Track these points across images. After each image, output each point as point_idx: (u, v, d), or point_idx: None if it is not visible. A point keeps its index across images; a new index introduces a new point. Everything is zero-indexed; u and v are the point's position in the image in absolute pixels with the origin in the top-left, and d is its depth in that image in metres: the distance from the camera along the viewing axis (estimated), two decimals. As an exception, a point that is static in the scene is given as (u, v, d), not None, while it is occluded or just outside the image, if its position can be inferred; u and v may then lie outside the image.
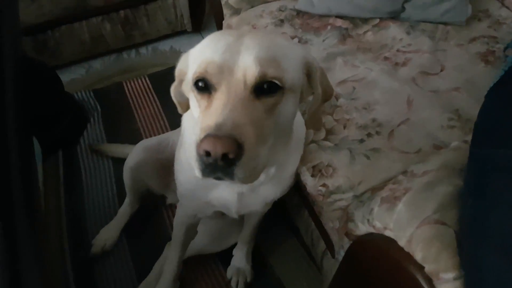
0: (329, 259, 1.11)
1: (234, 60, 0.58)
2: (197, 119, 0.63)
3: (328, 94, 0.73)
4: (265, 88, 0.59)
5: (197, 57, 0.64)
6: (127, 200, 1.42)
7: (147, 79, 1.93)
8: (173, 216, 1.42)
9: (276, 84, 0.59)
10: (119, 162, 1.57)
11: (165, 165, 1.25)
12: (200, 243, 1.30)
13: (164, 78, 1.87)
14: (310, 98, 0.71)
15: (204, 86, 0.60)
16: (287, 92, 0.61)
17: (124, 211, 1.42)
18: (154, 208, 1.47)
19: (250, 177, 0.58)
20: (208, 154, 0.54)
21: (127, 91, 1.89)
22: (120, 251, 1.38)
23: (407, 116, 0.99)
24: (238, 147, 0.54)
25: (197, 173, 0.58)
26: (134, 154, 1.28)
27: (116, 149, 1.59)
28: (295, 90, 0.64)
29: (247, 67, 0.58)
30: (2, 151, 0.91)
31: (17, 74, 1.19)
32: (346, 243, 0.92)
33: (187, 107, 0.77)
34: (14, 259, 0.74)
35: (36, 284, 0.85)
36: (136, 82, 1.92)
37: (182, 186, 0.94)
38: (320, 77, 0.68)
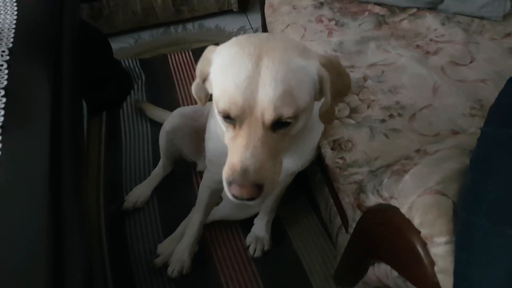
0: (344, 234, 1.16)
1: (254, 99, 0.65)
2: (226, 138, 0.72)
3: (342, 94, 0.79)
4: (281, 123, 0.67)
5: (220, 80, 0.69)
6: (160, 163, 1.53)
7: (190, 53, 2.03)
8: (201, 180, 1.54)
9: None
10: (157, 126, 1.68)
11: (198, 133, 1.34)
12: (224, 209, 1.39)
13: (207, 53, 2.00)
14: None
15: (229, 118, 0.69)
16: (300, 115, 0.69)
17: (157, 172, 1.53)
18: (185, 173, 1.57)
19: (270, 192, 0.70)
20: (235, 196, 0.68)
21: (170, 63, 1.99)
22: (150, 209, 1.49)
23: (431, 102, 1.02)
24: (260, 188, 0.66)
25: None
26: (171, 119, 1.38)
27: (156, 112, 1.70)
28: (307, 110, 0.71)
29: (265, 109, 0.65)
30: (56, 109, 0.98)
31: (74, 37, 1.30)
32: (358, 216, 0.98)
33: (206, 100, 0.85)
34: (58, 205, 0.81)
35: (76, 230, 0.94)
36: (180, 55, 2.02)
37: (210, 152, 1.03)
38: (334, 82, 0.72)
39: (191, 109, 1.38)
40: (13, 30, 0.99)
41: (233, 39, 0.72)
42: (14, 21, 1.01)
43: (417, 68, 1.10)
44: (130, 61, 1.99)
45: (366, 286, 1.06)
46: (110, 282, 1.34)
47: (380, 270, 0.89)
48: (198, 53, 2.01)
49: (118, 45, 2.07)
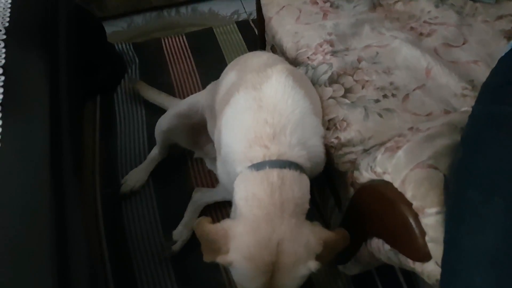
0: (337, 214, 1.19)
1: None
2: None
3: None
4: None
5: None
6: (156, 149, 1.53)
7: (184, 37, 2.02)
8: (198, 167, 1.54)
9: None
10: (152, 110, 1.69)
11: (195, 128, 1.36)
12: (223, 192, 1.40)
13: (201, 38, 2.00)
14: None
15: None
16: None
17: (154, 157, 1.54)
18: (181, 158, 1.57)
19: None
20: None
21: (164, 47, 1.99)
22: (146, 193, 1.50)
23: (424, 82, 1.04)
24: None
25: None
26: (167, 120, 1.39)
27: (151, 94, 1.70)
28: None
29: None
30: (55, 88, 0.99)
31: (70, 18, 1.29)
32: (351, 194, 1.00)
33: None
34: (60, 190, 0.82)
35: (77, 216, 0.95)
36: (174, 39, 2.01)
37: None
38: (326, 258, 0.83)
39: (185, 107, 1.37)
40: (9, 10, 0.99)
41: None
42: (10, 0, 1.01)
43: (410, 50, 1.11)
44: (124, 45, 1.99)
45: (358, 263, 1.09)
46: (107, 262, 1.36)
47: (373, 245, 0.91)
48: (191, 37, 2.03)
49: (111, 29, 2.06)
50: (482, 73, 1.05)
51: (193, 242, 1.35)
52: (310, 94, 0.99)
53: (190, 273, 1.32)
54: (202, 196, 1.41)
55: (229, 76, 1.08)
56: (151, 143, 1.57)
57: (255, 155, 0.84)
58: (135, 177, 1.50)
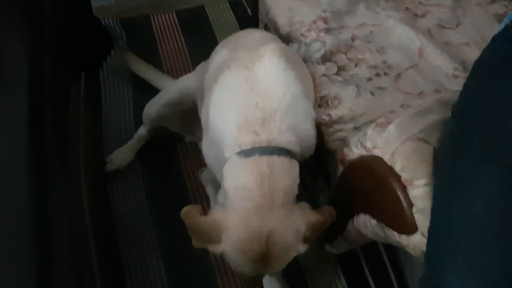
0: (326, 194, 1.18)
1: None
2: None
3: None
4: None
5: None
6: (144, 128, 1.48)
7: (174, 15, 1.96)
8: (186, 147, 1.51)
9: None
10: (139, 88, 1.66)
11: (186, 114, 1.32)
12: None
13: (191, 16, 1.96)
14: None
15: None
16: None
17: (140, 136, 1.49)
18: (169, 139, 1.52)
19: None
20: None
21: (153, 24, 1.93)
22: (133, 172, 1.47)
23: (416, 62, 1.04)
24: None
25: None
26: (156, 108, 1.34)
27: (141, 68, 1.65)
28: None
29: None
30: (36, 70, 0.95)
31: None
32: (341, 172, 0.99)
33: None
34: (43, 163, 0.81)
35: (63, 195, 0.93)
36: (163, 17, 1.96)
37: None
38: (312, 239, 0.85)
39: (176, 94, 1.30)
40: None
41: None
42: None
43: (404, 30, 1.11)
44: (111, 21, 1.93)
45: (344, 241, 1.09)
46: (91, 241, 1.32)
47: (359, 222, 0.91)
48: (182, 15, 1.97)
49: (98, 2, 1.97)
50: (474, 55, 1.04)
51: (180, 223, 1.34)
52: (302, 76, 0.97)
53: (177, 252, 1.29)
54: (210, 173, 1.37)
55: (219, 53, 1.05)
56: (138, 121, 1.52)
57: (244, 141, 0.83)
58: (121, 156, 1.47)
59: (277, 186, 0.79)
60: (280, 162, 0.81)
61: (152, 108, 1.36)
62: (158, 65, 1.76)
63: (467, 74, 0.94)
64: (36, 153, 0.80)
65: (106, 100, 1.67)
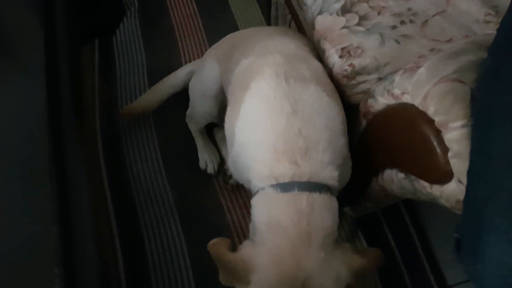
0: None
1: None
2: None
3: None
4: None
5: None
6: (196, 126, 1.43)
7: (188, -20, 1.91)
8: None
9: None
10: (152, 53, 1.66)
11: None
12: None
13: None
14: None
15: None
16: None
17: (198, 131, 1.43)
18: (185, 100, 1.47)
19: None
20: None
21: (165, -10, 1.89)
22: (148, 134, 1.48)
23: (444, 8, 0.97)
24: None
25: None
26: (199, 119, 1.35)
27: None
28: None
29: None
30: (51, 36, 0.96)
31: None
32: (364, 127, 0.95)
33: None
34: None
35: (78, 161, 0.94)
36: (175, -19, 1.91)
37: None
38: None
39: (213, 92, 1.19)
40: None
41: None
42: None
43: (430, -26, 1.04)
44: (122, -14, 1.89)
45: (366, 201, 1.06)
46: (110, 203, 1.34)
47: (385, 177, 0.88)
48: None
49: (110, -31, 1.95)
50: (506, -1, 0.98)
51: (197, 182, 1.33)
52: (340, 110, 0.89)
53: (193, 214, 1.31)
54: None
55: (243, 54, 0.96)
56: (151, 85, 1.50)
57: (282, 172, 0.73)
58: (207, 155, 1.42)
59: (316, 225, 0.70)
60: (321, 199, 0.72)
61: (195, 120, 1.38)
62: (170, 32, 1.74)
63: (500, 20, 0.88)
64: (53, 114, 0.81)
65: (120, 66, 1.67)
